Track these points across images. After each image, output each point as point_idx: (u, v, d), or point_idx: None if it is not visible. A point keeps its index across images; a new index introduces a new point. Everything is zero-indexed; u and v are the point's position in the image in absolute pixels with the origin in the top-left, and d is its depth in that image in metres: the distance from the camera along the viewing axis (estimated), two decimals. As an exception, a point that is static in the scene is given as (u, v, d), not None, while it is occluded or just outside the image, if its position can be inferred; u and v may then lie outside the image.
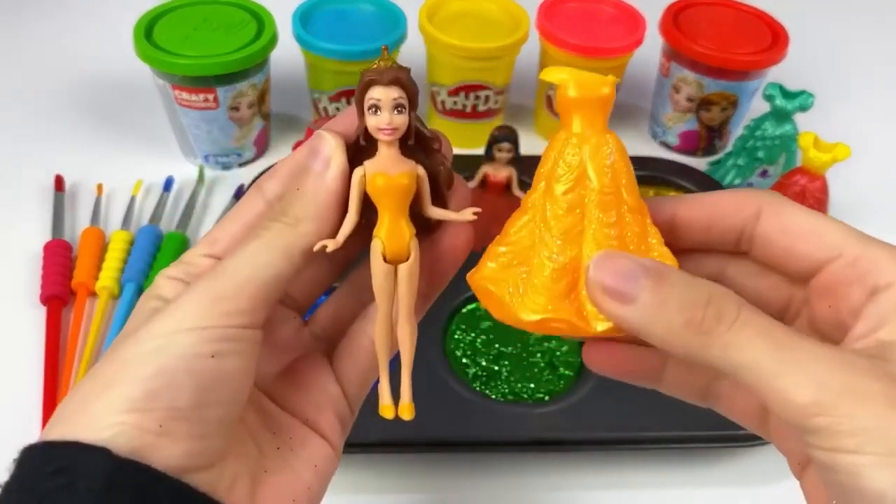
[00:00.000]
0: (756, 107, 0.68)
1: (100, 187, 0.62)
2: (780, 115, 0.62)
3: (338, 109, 0.66)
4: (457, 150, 0.74)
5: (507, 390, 0.49)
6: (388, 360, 0.26)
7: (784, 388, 0.20)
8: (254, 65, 0.61)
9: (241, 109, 0.63)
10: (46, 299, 0.53)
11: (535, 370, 0.50)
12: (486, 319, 0.53)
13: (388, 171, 0.25)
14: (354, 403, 0.28)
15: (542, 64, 0.70)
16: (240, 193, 0.62)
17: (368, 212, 0.25)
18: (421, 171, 0.25)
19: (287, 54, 0.65)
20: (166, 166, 0.65)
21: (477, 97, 0.67)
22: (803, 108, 0.61)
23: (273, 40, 0.62)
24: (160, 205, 0.61)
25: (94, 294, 0.55)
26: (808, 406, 0.20)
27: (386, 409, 0.26)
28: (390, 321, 0.26)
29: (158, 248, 0.57)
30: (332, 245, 0.24)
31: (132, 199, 0.61)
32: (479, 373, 0.50)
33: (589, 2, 0.70)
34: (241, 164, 0.67)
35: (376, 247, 0.25)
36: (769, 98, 0.62)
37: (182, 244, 0.57)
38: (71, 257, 0.57)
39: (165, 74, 0.60)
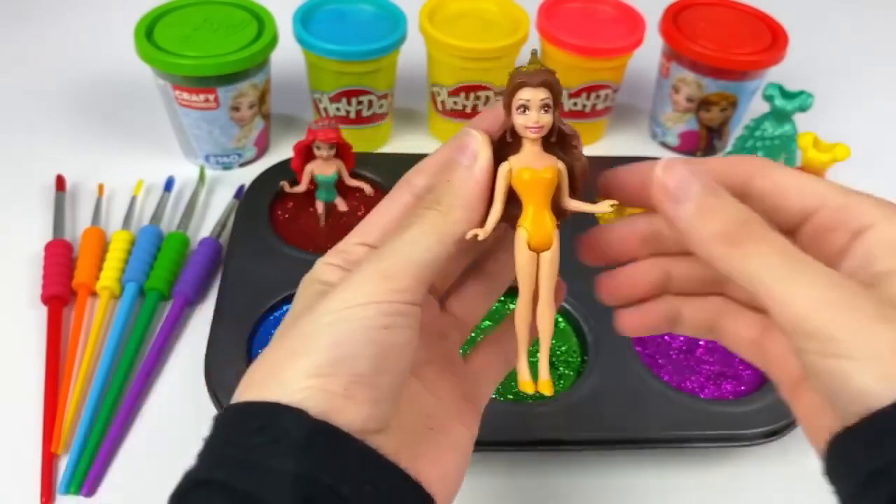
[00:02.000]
0: (755, 107, 0.68)
1: (100, 187, 0.62)
2: (780, 116, 0.63)
3: (338, 110, 0.66)
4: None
5: (507, 390, 0.49)
6: (529, 342, 0.28)
7: (787, 293, 0.23)
8: (254, 65, 0.61)
9: (242, 110, 0.63)
10: (47, 299, 0.54)
11: (536, 369, 0.50)
12: (486, 319, 0.53)
13: (533, 166, 0.27)
14: (488, 391, 0.32)
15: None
16: (240, 193, 0.62)
17: (509, 205, 0.27)
18: (561, 165, 0.28)
19: (287, 54, 0.65)
20: (167, 166, 0.65)
21: (477, 97, 0.67)
22: (802, 109, 0.61)
23: (273, 41, 0.62)
24: (161, 205, 0.61)
25: (94, 294, 0.55)
26: (806, 312, 0.23)
27: (526, 384, 0.28)
28: (531, 305, 0.28)
29: (159, 248, 0.57)
30: (482, 234, 0.27)
31: (133, 199, 0.61)
32: (480, 372, 0.50)
33: (589, 2, 0.70)
34: (242, 165, 0.67)
35: (521, 236, 0.27)
36: (769, 98, 0.62)
37: (183, 244, 0.58)
38: (72, 257, 0.57)
39: (166, 75, 0.60)
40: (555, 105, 0.27)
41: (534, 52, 0.29)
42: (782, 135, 0.63)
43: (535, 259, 0.28)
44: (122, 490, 0.46)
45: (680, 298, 0.31)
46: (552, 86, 0.27)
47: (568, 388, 0.49)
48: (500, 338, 0.32)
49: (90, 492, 0.45)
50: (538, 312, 0.28)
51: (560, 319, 0.53)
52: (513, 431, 0.46)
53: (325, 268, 0.28)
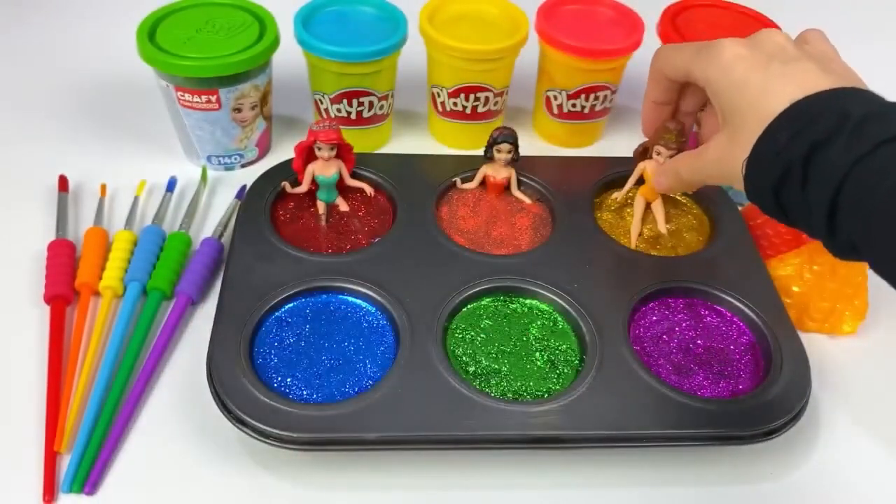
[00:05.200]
0: (753, 108, 0.68)
1: (103, 187, 0.63)
2: (778, 117, 0.63)
3: (339, 111, 0.66)
4: (457, 151, 0.75)
5: (506, 388, 0.50)
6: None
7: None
8: (256, 66, 0.61)
9: (244, 111, 0.63)
10: (50, 299, 0.54)
11: (535, 368, 0.51)
12: (486, 318, 0.53)
13: (653, 172, 0.57)
14: None
15: (541, 66, 0.70)
16: (242, 193, 0.63)
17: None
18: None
19: (289, 56, 0.66)
20: (169, 167, 0.66)
21: (477, 99, 0.67)
22: (800, 110, 0.62)
23: (275, 42, 0.62)
24: (163, 205, 0.61)
25: (97, 293, 0.55)
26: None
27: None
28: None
29: (161, 248, 0.58)
30: (620, 196, 0.63)
31: (135, 200, 0.62)
32: (479, 371, 0.50)
33: (588, 4, 0.71)
34: (244, 165, 0.68)
35: (640, 191, 0.60)
36: (766, 99, 0.62)
37: (185, 244, 0.58)
38: (74, 257, 0.57)
39: (168, 76, 0.60)
40: (679, 148, 0.54)
41: (671, 128, 0.54)
42: (780, 136, 0.64)
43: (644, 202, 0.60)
44: (124, 488, 0.46)
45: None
46: (678, 146, 0.54)
47: (566, 386, 0.49)
48: None
49: (92, 490, 0.45)
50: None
51: (559, 319, 0.54)
52: (512, 429, 0.46)
53: None
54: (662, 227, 0.59)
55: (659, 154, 0.55)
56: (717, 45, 0.44)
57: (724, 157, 0.43)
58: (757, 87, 0.40)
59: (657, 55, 0.49)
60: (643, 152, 0.58)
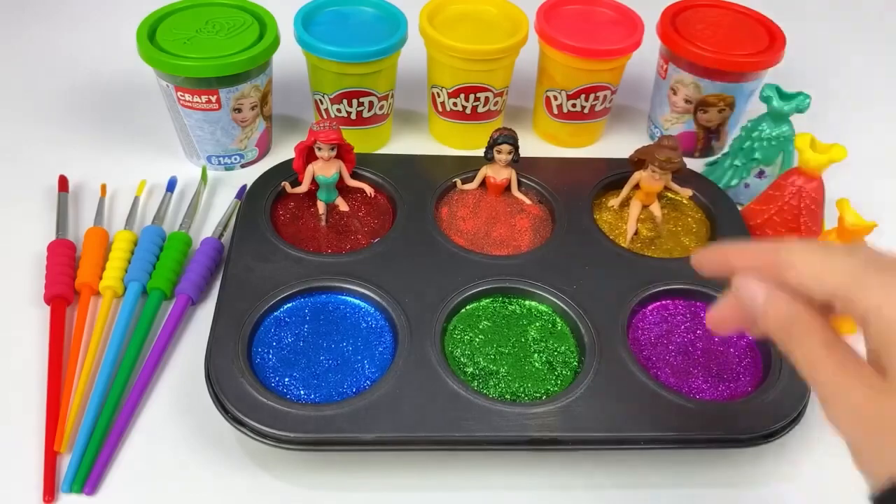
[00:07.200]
0: (753, 108, 0.69)
1: (103, 187, 0.63)
2: (777, 117, 0.63)
3: (339, 111, 0.67)
4: (457, 152, 0.75)
5: (504, 390, 0.50)
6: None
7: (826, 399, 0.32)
8: (256, 67, 0.61)
9: (244, 111, 0.63)
10: (50, 299, 0.54)
11: (533, 370, 0.51)
12: (485, 319, 0.53)
13: (648, 181, 0.59)
14: None
15: (541, 66, 0.70)
16: (242, 193, 0.63)
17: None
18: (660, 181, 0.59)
19: (289, 56, 0.66)
20: (169, 167, 0.66)
21: (476, 99, 0.67)
22: (800, 110, 0.62)
23: (275, 42, 0.62)
24: (163, 205, 0.61)
25: (97, 294, 0.55)
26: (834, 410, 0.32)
27: None
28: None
29: (162, 247, 0.58)
30: (616, 202, 0.63)
31: (136, 200, 0.62)
32: (477, 372, 0.50)
33: (587, 4, 0.71)
34: (244, 165, 0.68)
35: (636, 196, 0.61)
36: (766, 99, 0.62)
37: (185, 244, 0.58)
38: (75, 257, 0.57)
39: (168, 76, 0.60)
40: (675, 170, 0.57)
41: (670, 140, 0.57)
42: (780, 135, 0.64)
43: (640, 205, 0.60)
44: (123, 489, 0.46)
45: None
46: (678, 168, 0.57)
47: (565, 388, 0.49)
48: None
49: (92, 490, 0.45)
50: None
51: (558, 320, 0.54)
52: (510, 431, 0.46)
53: None
54: (659, 219, 0.60)
55: (654, 173, 0.57)
56: (891, 268, 0.31)
57: (874, 416, 0.29)
58: None
59: (795, 259, 0.33)
60: (638, 162, 0.59)
